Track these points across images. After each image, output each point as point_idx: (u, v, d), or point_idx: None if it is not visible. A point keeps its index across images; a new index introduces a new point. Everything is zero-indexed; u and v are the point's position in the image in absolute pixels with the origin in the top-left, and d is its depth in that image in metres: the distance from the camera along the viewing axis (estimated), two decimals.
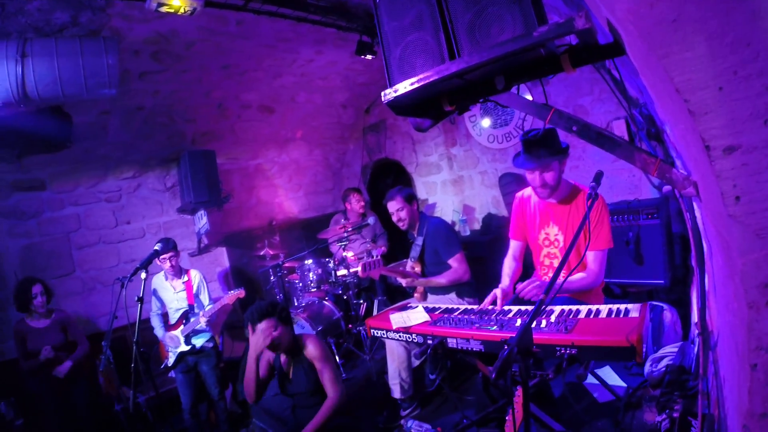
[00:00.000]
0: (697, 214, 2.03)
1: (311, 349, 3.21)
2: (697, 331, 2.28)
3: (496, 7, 1.89)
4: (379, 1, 2.41)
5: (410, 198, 4.12)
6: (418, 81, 2.15)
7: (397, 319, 3.08)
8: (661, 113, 1.98)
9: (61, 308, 4.63)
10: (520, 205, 3.27)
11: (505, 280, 3.22)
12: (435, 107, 2.56)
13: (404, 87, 2.21)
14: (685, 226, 2.29)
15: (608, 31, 1.71)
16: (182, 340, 4.32)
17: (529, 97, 4.93)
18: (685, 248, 3.94)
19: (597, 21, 1.77)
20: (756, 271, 1.21)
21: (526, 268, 3.35)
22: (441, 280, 3.92)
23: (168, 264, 4.34)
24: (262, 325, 3.11)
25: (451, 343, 2.64)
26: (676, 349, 2.86)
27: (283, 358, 3.29)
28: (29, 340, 4.21)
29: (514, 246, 3.36)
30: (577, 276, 2.85)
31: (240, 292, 4.51)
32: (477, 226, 6.53)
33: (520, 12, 1.82)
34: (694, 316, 2.82)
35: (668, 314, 3.35)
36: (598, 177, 2.39)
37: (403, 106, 2.51)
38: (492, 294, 2.99)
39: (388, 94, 2.30)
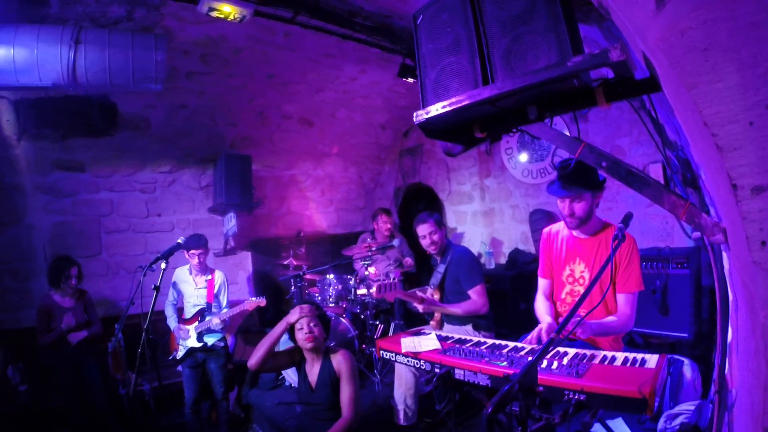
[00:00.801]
0: (725, 263, 1.93)
1: (341, 362, 3.15)
2: (714, 389, 2.15)
3: (533, 34, 1.88)
4: (419, 23, 2.43)
5: (440, 222, 4.11)
6: (450, 104, 2.14)
7: (408, 343, 3.02)
8: (695, 154, 1.90)
9: (85, 289, 4.79)
10: (547, 241, 3.18)
11: (547, 318, 3.04)
12: (466, 133, 2.54)
13: (436, 109, 2.21)
14: None
15: (645, 65, 1.66)
16: (194, 335, 4.36)
17: (567, 134, 4.86)
18: (714, 303, 3.76)
19: (634, 55, 1.73)
20: None
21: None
22: (457, 309, 3.84)
23: (197, 260, 4.45)
24: (305, 307, 3.17)
25: (459, 374, 2.56)
26: (693, 408, 2.69)
27: (311, 365, 3.25)
28: (54, 316, 4.37)
29: (543, 285, 3.23)
30: (609, 318, 2.75)
31: (261, 301, 4.53)
32: (503, 260, 6.39)
33: (556, 41, 1.80)
34: (715, 374, 2.67)
35: (689, 370, 3.18)
36: (626, 218, 2.31)
37: (434, 128, 2.50)
38: (538, 330, 2.82)
39: (420, 115, 2.30)
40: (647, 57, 1.52)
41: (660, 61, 1.26)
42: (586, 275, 2.89)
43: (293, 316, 3.15)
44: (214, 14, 3.85)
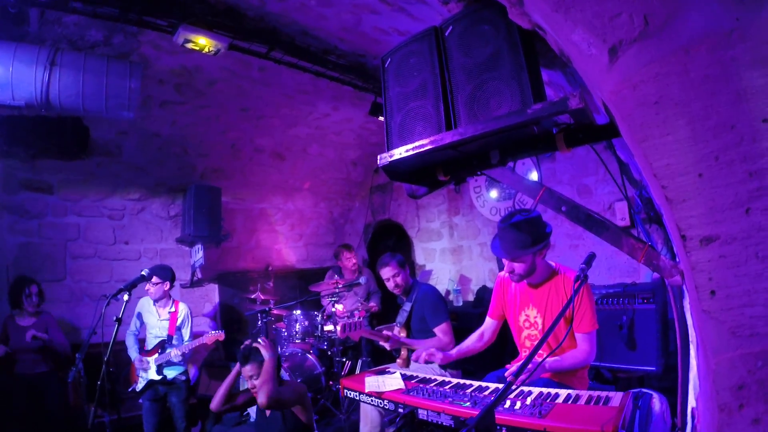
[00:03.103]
0: (686, 303, 1.98)
1: (290, 384, 3.29)
2: (678, 426, 2.18)
3: (497, 81, 1.93)
4: (387, 66, 2.50)
5: (403, 263, 4.08)
6: (414, 148, 2.18)
7: (372, 382, 2.97)
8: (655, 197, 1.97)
9: (47, 310, 4.72)
10: (501, 285, 3.21)
11: (453, 351, 3.26)
12: (430, 176, 2.59)
13: (400, 153, 2.25)
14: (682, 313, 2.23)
15: (605, 111, 1.73)
16: (154, 367, 4.24)
17: (535, 173, 4.98)
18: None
19: (596, 101, 1.79)
20: (729, 372, 1.15)
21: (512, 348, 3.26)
22: (423, 346, 3.81)
23: (152, 289, 4.33)
24: (247, 368, 3.19)
25: (422, 414, 2.53)
26: None
27: None
28: (12, 336, 4.33)
29: (487, 323, 3.30)
30: (569, 353, 2.76)
31: (220, 335, 4.42)
32: (470, 297, 6.42)
33: (519, 88, 1.85)
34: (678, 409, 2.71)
35: (657, 402, 3.20)
36: (589, 260, 2.33)
37: (398, 171, 2.54)
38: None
39: (384, 158, 2.35)
40: (605, 104, 1.58)
41: (614, 113, 1.31)
42: (539, 320, 2.91)
43: (235, 369, 3.34)
44: (190, 46, 3.87)
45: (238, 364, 3.33)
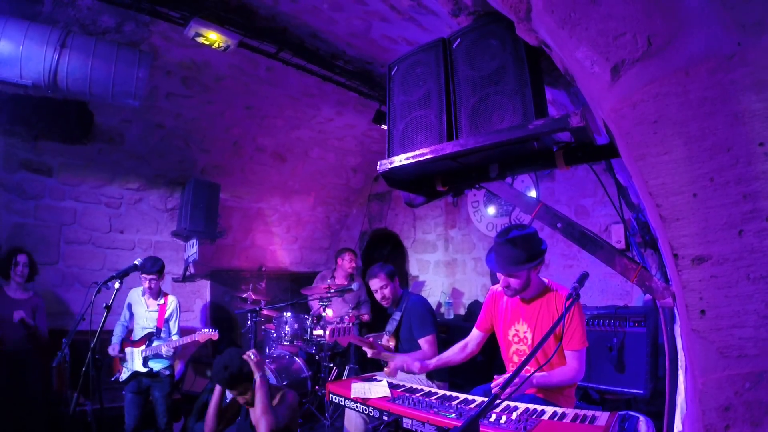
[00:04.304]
0: (677, 327, 1.99)
1: (282, 398, 3.24)
2: None
3: (500, 95, 1.96)
4: (393, 74, 2.53)
5: (392, 275, 4.08)
6: (414, 157, 2.20)
7: (358, 388, 2.97)
8: (650, 219, 1.98)
9: (39, 293, 4.72)
10: (492, 299, 3.23)
11: (433, 360, 3.30)
12: (428, 185, 2.60)
13: (400, 160, 2.27)
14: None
15: (605, 132, 1.74)
16: (139, 359, 4.22)
17: (533, 192, 5.01)
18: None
19: (597, 121, 1.81)
20: (716, 392, 1.15)
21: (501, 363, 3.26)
22: (405, 358, 3.79)
23: (147, 284, 4.34)
24: (233, 392, 3.16)
25: (407, 423, 2.52)
26: None
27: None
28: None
29: (473, 335, 3.32)
30: (558, 370, 2.77)
31: (213, 334, 4.41)
32: (462, 311, 6.42)
33: (521, 103, 1.87)
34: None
35: (644, 426, 3.20)
36: (582, 278, 2.34)
37: (397, 179, 2.56)
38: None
39: (384, 164, 2.37)
40: (606, 123, 1.60)
41: (613, 131, 1.32)
42: (529, 336, 2.92)
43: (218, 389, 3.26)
44: (200, 40, 3.90)
45: (217, 392, 3.25)
